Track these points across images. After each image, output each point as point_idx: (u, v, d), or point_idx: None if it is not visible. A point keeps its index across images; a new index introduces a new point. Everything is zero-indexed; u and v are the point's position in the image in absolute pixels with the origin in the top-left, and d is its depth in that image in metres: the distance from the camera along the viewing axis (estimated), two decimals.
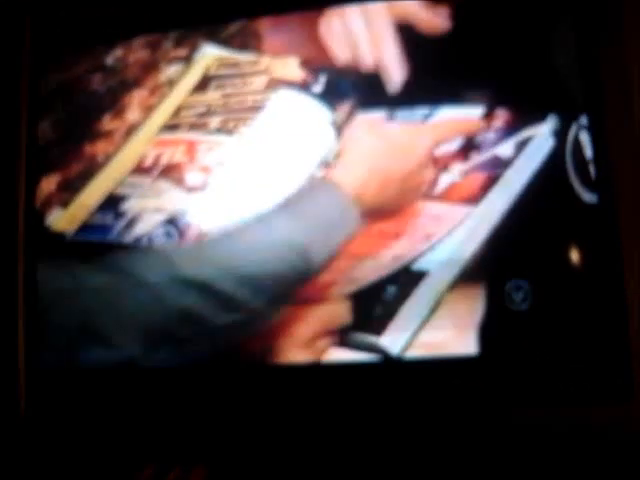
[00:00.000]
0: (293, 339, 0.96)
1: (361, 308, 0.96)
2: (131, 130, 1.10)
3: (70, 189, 1.09)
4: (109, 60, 1.13)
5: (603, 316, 0.92)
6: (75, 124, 1.11)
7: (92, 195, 1.07)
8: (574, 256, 0.94)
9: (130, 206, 1.05)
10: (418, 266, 0.95)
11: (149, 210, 1.04)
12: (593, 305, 0.92)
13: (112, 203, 1.06)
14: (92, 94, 1.12)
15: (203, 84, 1.11)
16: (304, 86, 1.07)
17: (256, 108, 1.07)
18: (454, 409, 0.95)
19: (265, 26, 1.10)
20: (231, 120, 1.07)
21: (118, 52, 1.13)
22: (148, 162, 1.07)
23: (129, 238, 1.02)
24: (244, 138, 1.06)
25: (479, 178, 0.97)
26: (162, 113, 1.11)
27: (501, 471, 0.92)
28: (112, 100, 1.11)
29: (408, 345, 0.94)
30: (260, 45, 1.10)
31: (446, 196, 0.98)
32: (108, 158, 1.09)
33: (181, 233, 1.02)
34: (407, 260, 0.96)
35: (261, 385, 1.00)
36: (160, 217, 1.02)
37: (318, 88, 1.07)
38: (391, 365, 0.95)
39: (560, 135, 0.96)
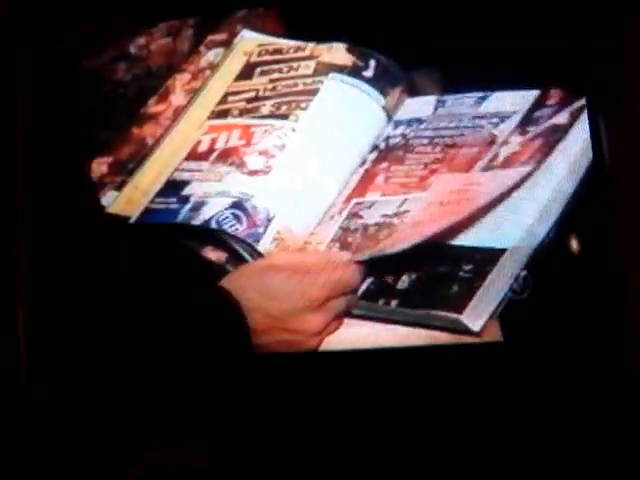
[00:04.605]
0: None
1: (435, 286, 0.93)
2: (177, 113, 1.08)
3: (122, 172, 1.06)
4: (134, 46, 1.11)
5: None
6: (118, 108, 1.08)
7: (147, 178, 1.05)
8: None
9: (193, 190, 1.02)
10: (494, 243, 0.93)
11: (212, 194, 1.01)
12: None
13: (173, 188, 1.03)
14: (129, 79, 1.10)
15: (247, 71, 1.09)
16: (354, 70, 1.06)
17: (308, 91, 1.05)
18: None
19: None
20: (283, 104, 1.05)
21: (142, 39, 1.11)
22: (203, 147, 1.05)
23: (197, 221, 0.99)
24: (300, 121, 1.04)
25: (537, 144, 0.96)
26: (208, 97, 1.08)
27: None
28: (154, 84, 1.09)
29: (488, 322, 0.91)
30: None
31: (506, 164, 0.97)
32: (158, 141, 1.07)
33: (248, 216, 0.99)
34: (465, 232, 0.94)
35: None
36: (225, 200, 1.00)
37: (369, 73, 1.06)
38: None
39: None
